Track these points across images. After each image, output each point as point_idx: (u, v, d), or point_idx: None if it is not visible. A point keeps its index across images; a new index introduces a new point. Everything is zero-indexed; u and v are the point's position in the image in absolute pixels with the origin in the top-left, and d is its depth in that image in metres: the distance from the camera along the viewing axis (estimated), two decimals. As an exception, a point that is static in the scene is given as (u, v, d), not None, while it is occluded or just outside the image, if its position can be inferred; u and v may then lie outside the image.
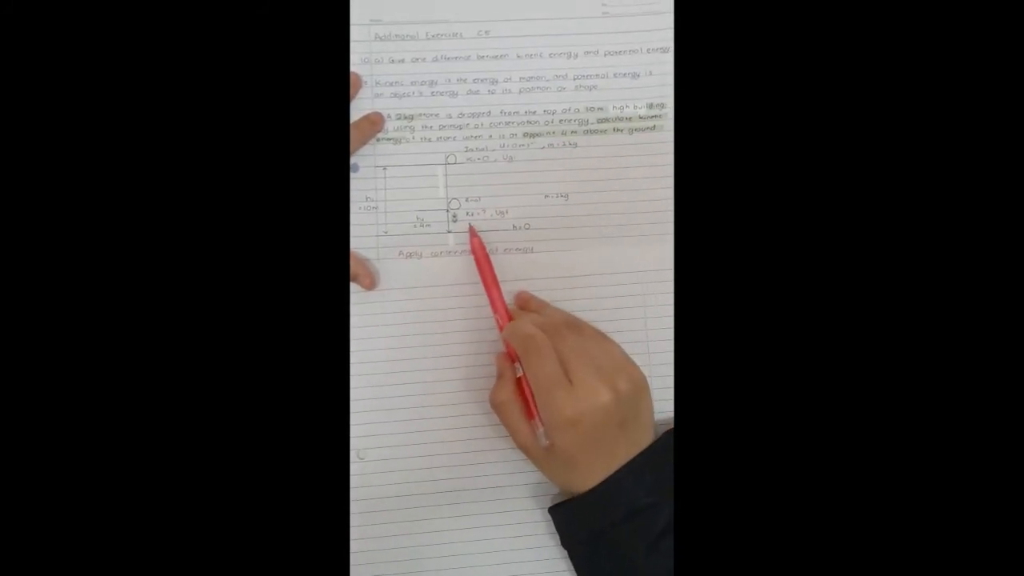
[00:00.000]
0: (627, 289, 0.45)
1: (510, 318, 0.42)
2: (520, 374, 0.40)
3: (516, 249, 0.45)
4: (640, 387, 0.39)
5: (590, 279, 0.45)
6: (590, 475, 0.37)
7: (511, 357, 0.41)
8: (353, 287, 0.44)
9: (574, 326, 0.40)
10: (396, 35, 0.46)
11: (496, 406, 0.40)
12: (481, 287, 0.43)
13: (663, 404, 0.42)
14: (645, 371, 0.40)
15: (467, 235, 0.44)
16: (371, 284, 0.43)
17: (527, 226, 0.45)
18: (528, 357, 0.38)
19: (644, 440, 0.38)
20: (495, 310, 0.42)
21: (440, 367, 0.44)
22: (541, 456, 0.39)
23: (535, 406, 0.38)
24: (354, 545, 0.42)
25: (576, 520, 0.39)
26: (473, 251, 0.44)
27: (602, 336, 0.41)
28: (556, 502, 0.41)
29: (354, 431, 0.43)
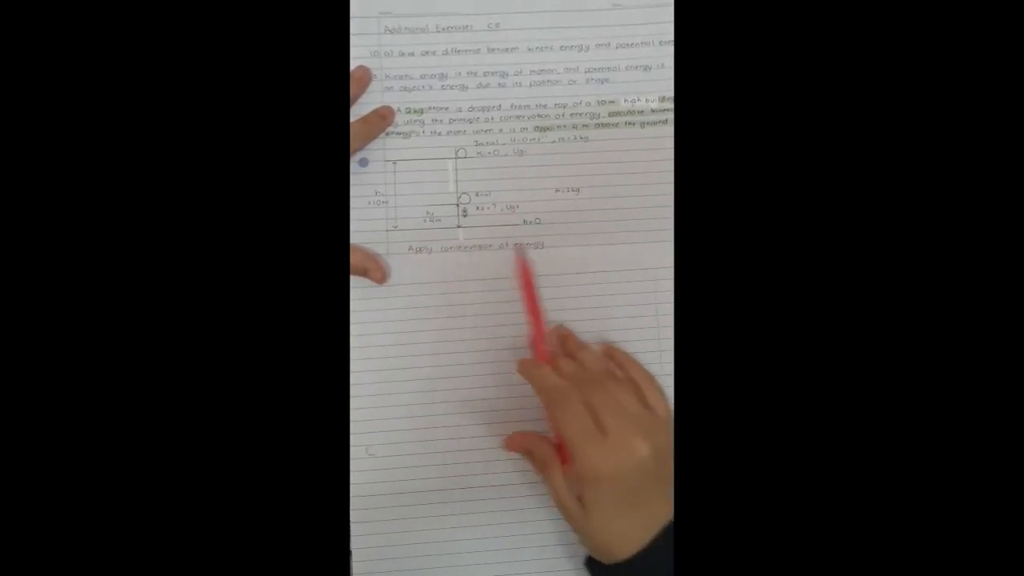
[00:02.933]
0: (639, 287, 0.45)
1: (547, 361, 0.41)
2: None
3: (527, 244, 0.44)
4: None
5: (601, 276, 0.45)
6: (628, 540, 0.35)
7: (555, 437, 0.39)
8: (364, 281, 0.43)
9: (611, 375, 0.39)
10: (406, 28, 0.45)
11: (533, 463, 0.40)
12: (493, 283, 0.43)
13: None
14: (656, 371, 0.40)
15: (478, 229, 0.44)
16: (382, 278, 0.43)
17: (538, 220, 0.45)
18: (554, 408, 0.37)
19: None
20: (534, 347, 0.42)
21: (449, 363, 0.44)
22: (578, 516, 0.36)
23: (569, 456, 0.37)
24: (359, 541, 0.42)
25: None
26: (522, 277, 0.42)
27: (647, 385, 0.39)
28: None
29: (363, 427, 0.43)
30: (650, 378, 0.40)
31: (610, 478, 0.34)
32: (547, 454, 0.39)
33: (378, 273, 0.43)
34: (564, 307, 0.44)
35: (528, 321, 0.42)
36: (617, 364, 0.41)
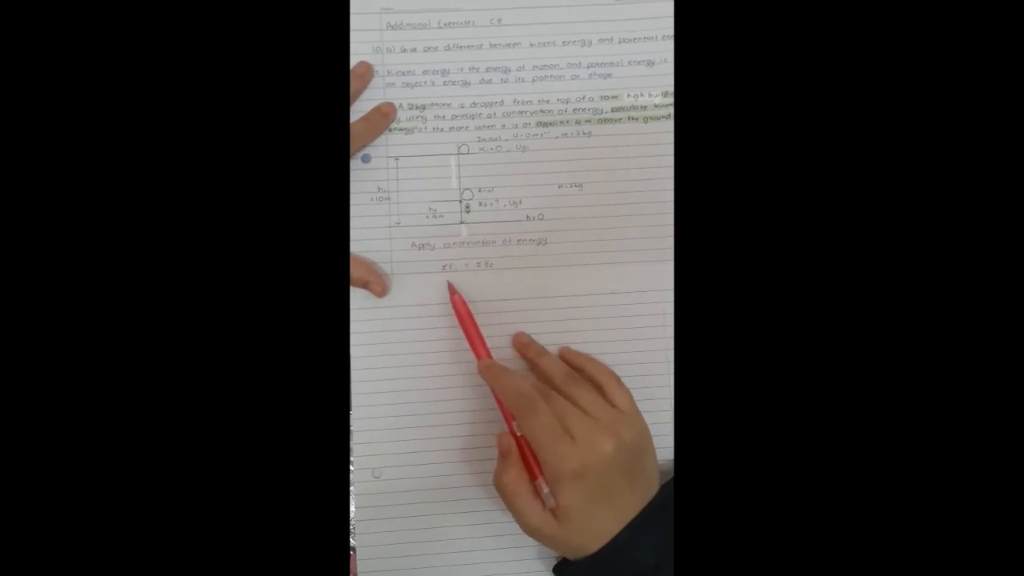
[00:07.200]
0: (645, 308, 0.44)
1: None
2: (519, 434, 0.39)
3: (530, 240, 0.44)
4: (644, 435, 0.39)
5: (606, 298, 0.44)
6: (601, 534, 0.36)
7: (511, 431, 0.39)
8: (364, 297, 0.43)
9: (573, 377, 0.40)
10: (408, 24, 0.45)
11: (501, 487, 0.38)
12: (495, 304, 0.42)
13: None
14: (664, 391, 0.40)
15: (481, 225, 0.44)
16: (382, 292, 0.43)
17: (541, 216, 0.45)
18: (523, 414, 0.37)
19: (651, 491, 0.38)
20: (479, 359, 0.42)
21: (450, 373, 0.43)
22: (554, 532, 0.37)
23: (537, 464, 0.37)
24: (362, 552, 0.42)
25: None
26: (455, 309, 0.42)
27: (608, 382, 0.40)
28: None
29: (368, 449, 0.43)
30: (610, 374, 0.41)
31: (580, 476, 0.36)
32: (520, 480, 0.38)
33: (378, 287, 0.42)
34: (568, 321, 0.44)
35: (474, 349, 0.42)
36: (577, 366, 0.42)
